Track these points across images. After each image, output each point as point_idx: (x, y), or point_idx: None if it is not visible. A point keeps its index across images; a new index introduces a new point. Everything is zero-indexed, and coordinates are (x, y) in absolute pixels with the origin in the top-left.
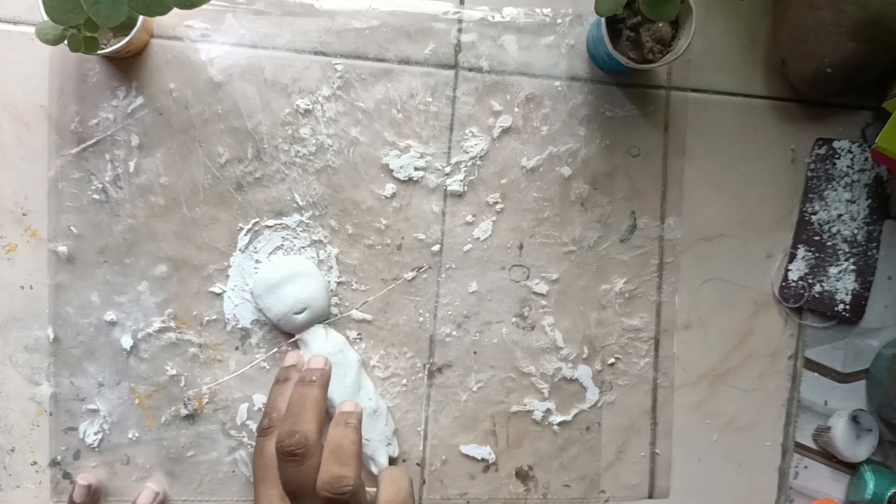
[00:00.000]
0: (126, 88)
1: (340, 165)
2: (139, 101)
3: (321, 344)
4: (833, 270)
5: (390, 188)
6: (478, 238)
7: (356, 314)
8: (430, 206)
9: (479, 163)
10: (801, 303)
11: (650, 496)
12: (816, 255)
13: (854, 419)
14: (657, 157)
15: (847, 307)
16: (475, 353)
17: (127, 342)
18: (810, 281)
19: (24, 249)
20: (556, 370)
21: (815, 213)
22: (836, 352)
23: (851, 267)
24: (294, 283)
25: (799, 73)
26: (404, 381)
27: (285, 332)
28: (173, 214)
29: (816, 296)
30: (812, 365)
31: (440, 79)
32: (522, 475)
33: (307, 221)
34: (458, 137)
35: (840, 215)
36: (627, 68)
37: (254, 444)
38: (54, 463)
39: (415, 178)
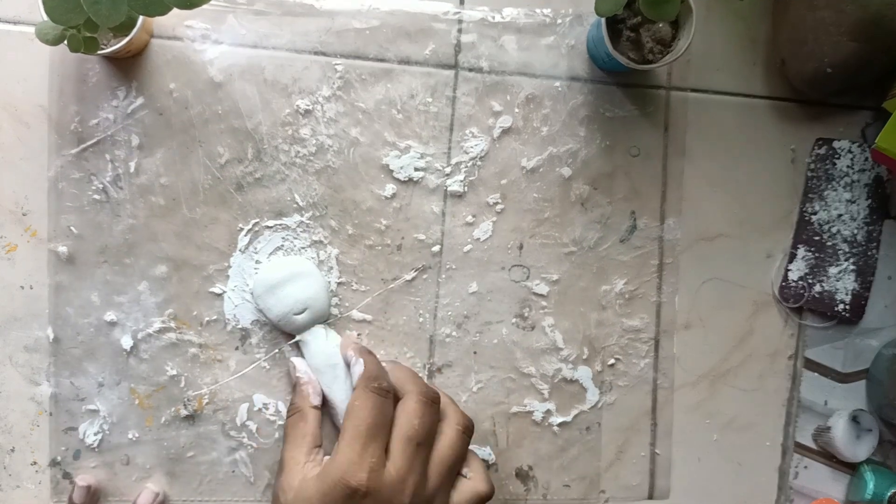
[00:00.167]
0: (126, 88)
1: (340, 166)
2: (139, 101)
3: (321, 344)
4: (833, 270)
5: (390, 189)
6: (478, 238)
7: (356, 314)
8: (431, 206)
9: (479, 163)
10: (801, 303)
11: (650, 497)
12: (816, 255)
13: (854, 419)
14: (657, 157)
15: (847, 307)
16: (475, 353)
17: (127, 342)
18: (810, 281)
19: (23, 249)
20: (556, 371)
21: (815, 213)
22: (836, 352)
23: (851, 267)
24: (294, 283)
25: (799, 72)
26: None
27: (285, 333)
28: (173, 215)
29: (816, 296)
30: (812, 365)
31: (440, 79)
32: (522, 475)
33: (307, 222)
34: (458, 138)
35: (840, 215)
36: (627, 69)
37: (254, 444)
38: (54, 463)
39: (415, 179)
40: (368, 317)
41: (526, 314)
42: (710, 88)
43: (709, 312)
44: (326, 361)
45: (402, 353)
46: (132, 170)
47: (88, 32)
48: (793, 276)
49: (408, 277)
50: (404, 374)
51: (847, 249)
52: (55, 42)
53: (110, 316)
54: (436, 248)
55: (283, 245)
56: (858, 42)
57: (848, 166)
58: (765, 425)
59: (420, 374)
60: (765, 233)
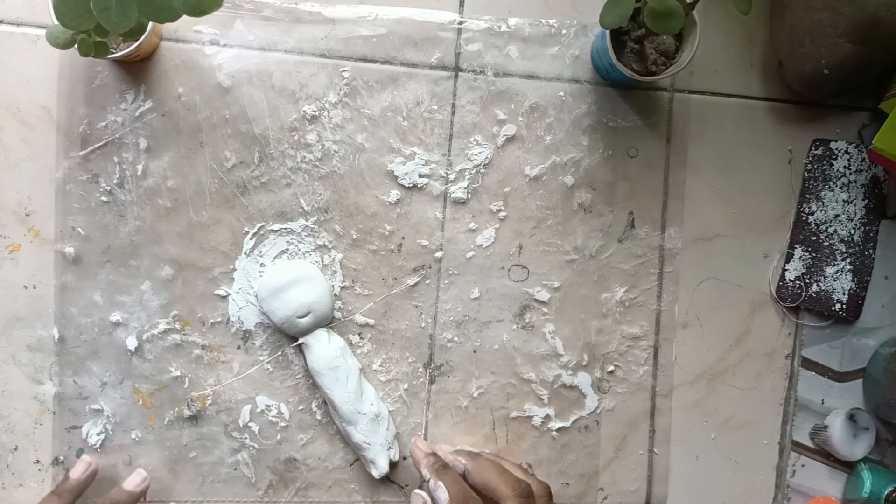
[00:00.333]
0: (135, 92)
1: (346, 171)
2: (147, 104)
3: (323, 347)
4: (830, 270)
5: (395, 194)
6: (480, 245)
7: (359, 318)
8: (434, 212)
9: (482, 171)
10: (799, 302)
11: (647, 503)
12: (813, 254)
13: (851, 418)
14: (658, 166)
15: (844, 307)
16: (476, 358)
17: (132, 343)
18: (807, 281)
19: (27, 249)
20: (556, 377)
21: (812, 214)
22: (833, 351)
23: (848, 267)
24: (298, 287)
25: (796, 74)
26: (405, 385)
27: (289, 336)
28: (179, 217)
29: (813, 295)
30: (809, 364)
31: (446, 87)
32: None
33: (312, 226)
34: (462, 145)
35: (837, 215)
36: (631, 80)
37: (257, 445)
38: (57, 461)
39: (419, 185)
40: (371, 321)
41: (527, 320)
42: (707, 90)
43: (706, 312)
44: (328, 364)
45: (404, 356)
46: (139, 172)
47: (98, 37)
48: (790, 275)
49: (410, 282)
50: (490, 474)
51: (844, 249)
52: (65, 46)
53: (115, 316)
54: (438, 254)
55: (287, 249)
56: (855, 44)
57: (845, 167)
58: (762, 424)
59: (421, 379)
60: (762, 233)
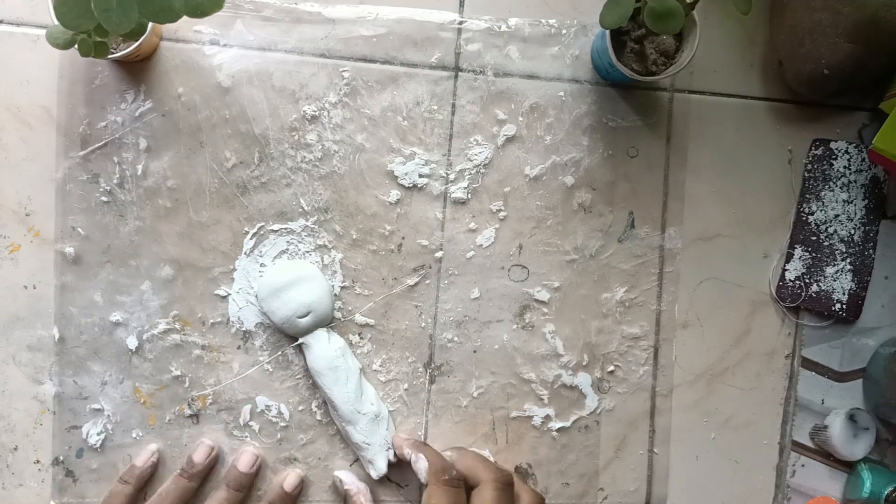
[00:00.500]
0: (135, 92)
1: (346, 171)
2: (148, 104)
3: (323, 347)
4: (830, 270)
5: (395, 194)
6: (480, 245)
7: (359, 318)
8: (434, 212)
9: (482, 171)
10: (799, 302)
11: (647, 503)
12: (813, 254)
13: (851, 418)
14: (659, 166)
15: (844, 307)
16: (476, 358)
17: (132, 343)
18: (807, 281)
19: (27, 249)
20: (556, 377)
21: (812, 214)
22: (833, 351)
23: (848, 267)
24: (298, 287)
25: (796, 74)
26: (405, 385)
27: (289, 336)
28: (179, 217)
29: (813, 295)
30: (809, 364)
31: (446, 87)
32: (522, 472)
33: (312, 226)
34: (462, 145)
35: (837, 215)
36: (631, 80)
37: (256, 445)
38: (57, 462)
39: (419, 185)
40: (371, 321)
41: (527, 321)
42: (707, 90)
43: (706, 312)
44: (328, 364)
45: (404, 357)
46: (139, 172)
47: (98, 37)
48: (790, 275)
49: (410, 282)
50: (473, 461)
51: (844, 249)
52: (66, 46)
53: (115, 316)
54: (438, 254)
55: (287, 249)
56: (855, 44)
57: (845, 167)
58: (762, 424)
59: (421, 379)
60: (762, 233)
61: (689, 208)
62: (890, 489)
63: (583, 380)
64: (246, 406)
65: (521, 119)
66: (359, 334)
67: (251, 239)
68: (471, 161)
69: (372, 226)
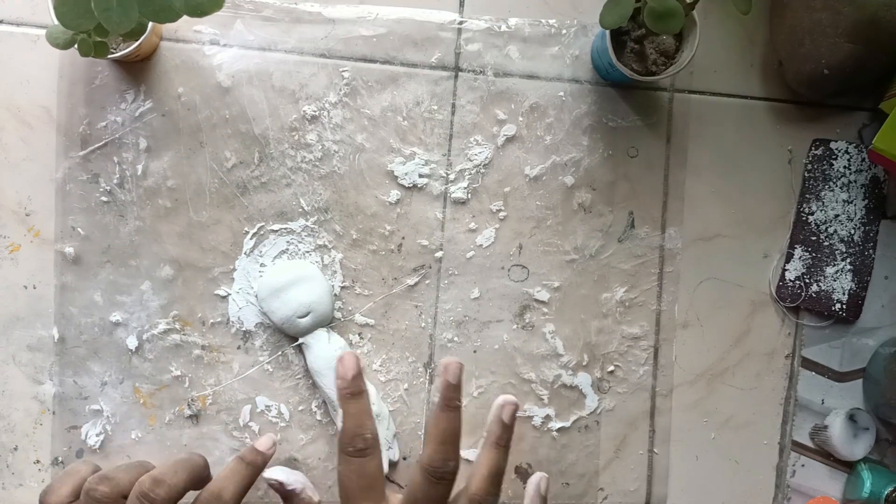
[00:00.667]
0: (135, 92)
1: (346, 171)
2: (148, 104)
3: (323, 347)
4: (830, 270)
5: (395, 194)
6: (480, 245)
7: (359, 318)
8: (434, 212)
9: (482, 171)
10: (798, 302)
11: (647, 503)
12: (813, 254)
13: (851, 418)
14: (659, 166)
15: (844, 307)
16: (476, 358)
17: (132, 343)
18: (807, 281)
19: (27, 249)
20: (556, 377)
21: (812, 214)
22: (833, 351)
23: (848, 267)
24: (298, 287)
25: (796, 74)
26: (405, 385)
27: (289, 336)
28: (179, 217)
29: (813, 295)
30: (809, 364)
31: (445, 87)
32: (522, 472)
33: (312, 226)
34: (462, 145)
35: (837, 215)
36: (631, 80)
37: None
38: (56, 462)
39: (419, 185)
40: (371, 321)
41: (527, 321)
42: (707, 90)
43: (706, 312)
44: (328, 364)
45: (404, 356)
46: (139, 172)
47: (99, 37)
48: (790, 275)
49: (410, 282)
50: (430, 435)
51: (844, 249)
52: (66, 46)
53: (115, 316)
54: (439, 254)
55: (287, 249)
56: (855, 44)
57: (845, 167)
58: (762, 424)
59: (421, 379)
60: (762, 233)
61: (689, 208)
62: (890, 489)
63: (583, 380)
64: (246, 406)
65: (521, 119)
66: (359, 334)
67: (251, 239)
68: (471, 161)
69: (372, 226)
